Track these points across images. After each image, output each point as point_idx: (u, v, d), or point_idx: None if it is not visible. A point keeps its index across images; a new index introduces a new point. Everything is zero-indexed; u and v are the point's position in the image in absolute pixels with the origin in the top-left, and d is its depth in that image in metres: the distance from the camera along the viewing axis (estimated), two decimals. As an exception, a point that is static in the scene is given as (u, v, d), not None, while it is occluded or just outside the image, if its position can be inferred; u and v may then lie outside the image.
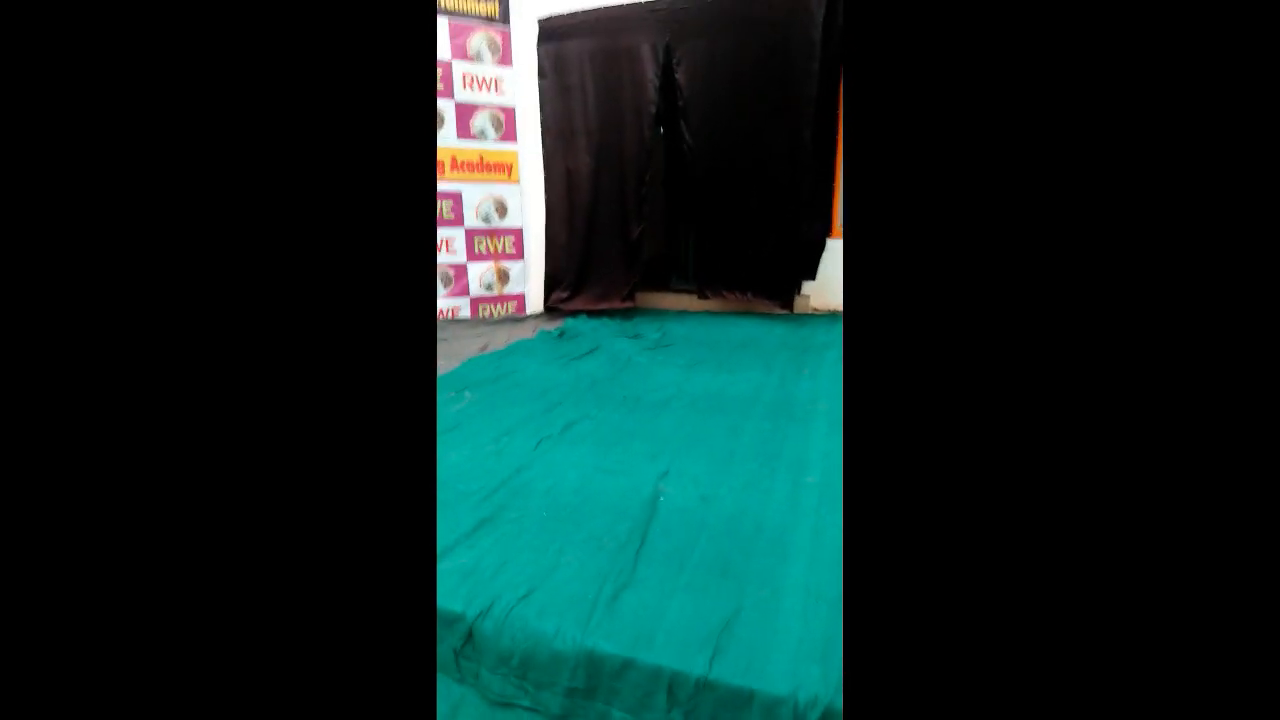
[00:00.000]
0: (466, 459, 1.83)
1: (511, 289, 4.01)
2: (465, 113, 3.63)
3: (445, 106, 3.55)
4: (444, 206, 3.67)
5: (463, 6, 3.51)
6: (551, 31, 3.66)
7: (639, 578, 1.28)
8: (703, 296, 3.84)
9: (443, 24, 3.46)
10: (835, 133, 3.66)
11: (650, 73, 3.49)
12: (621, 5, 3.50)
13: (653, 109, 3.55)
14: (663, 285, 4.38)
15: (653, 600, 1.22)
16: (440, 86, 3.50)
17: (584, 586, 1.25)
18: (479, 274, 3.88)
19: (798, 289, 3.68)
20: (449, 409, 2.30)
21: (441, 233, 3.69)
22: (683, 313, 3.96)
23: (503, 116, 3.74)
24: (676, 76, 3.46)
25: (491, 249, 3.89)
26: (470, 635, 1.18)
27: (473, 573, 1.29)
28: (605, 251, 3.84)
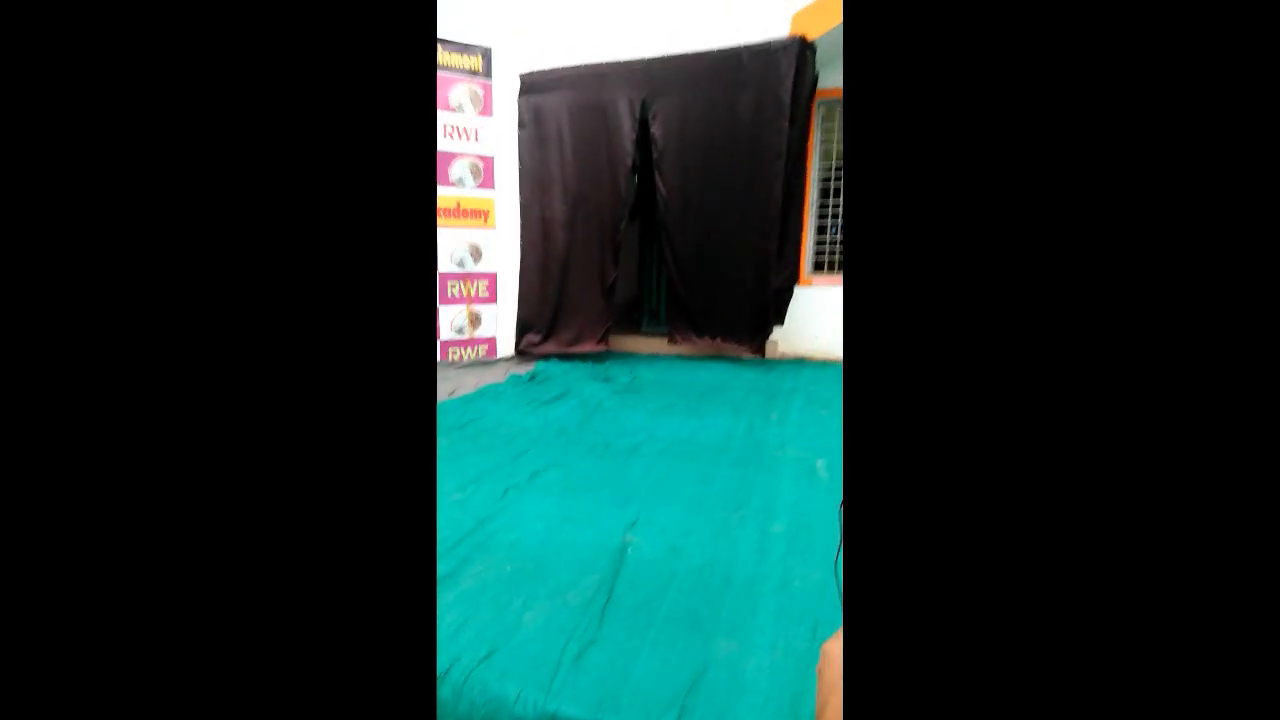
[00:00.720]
0: (431, 508, 1.78)
1: (483, 332, 4.00)
2: (444, 161, 3.69)
3: (423, 153, 3.61)
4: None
5: (448, 61, 3.62)
6: (532, 85, 3.79)
7: (605, 635, 1.25)
8: (672, 341, 3.88)
9: (423, 75, 3.55)
10: (803, 185, 3.83)
11: (627, 126, 3.63)
12: (600, 63, 3.66)
13: (629, 160, 3.67)
14: (634, 329, 4.43)
15: (619, 659, 1.18)
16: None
17: (548, 646, 1.21)
18: (450, 317, 3.87)
19: (767, 334, 3.76)
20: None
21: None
22: (654, 356, 3.99)
23: (481, 165, 3.82)
24: (652, 130, 3.60)
25: (465, 292, 3.89)
26: (426, 700, 1.12)
27: (431, 631, 1.24)
28: (579, 296, 3.89)
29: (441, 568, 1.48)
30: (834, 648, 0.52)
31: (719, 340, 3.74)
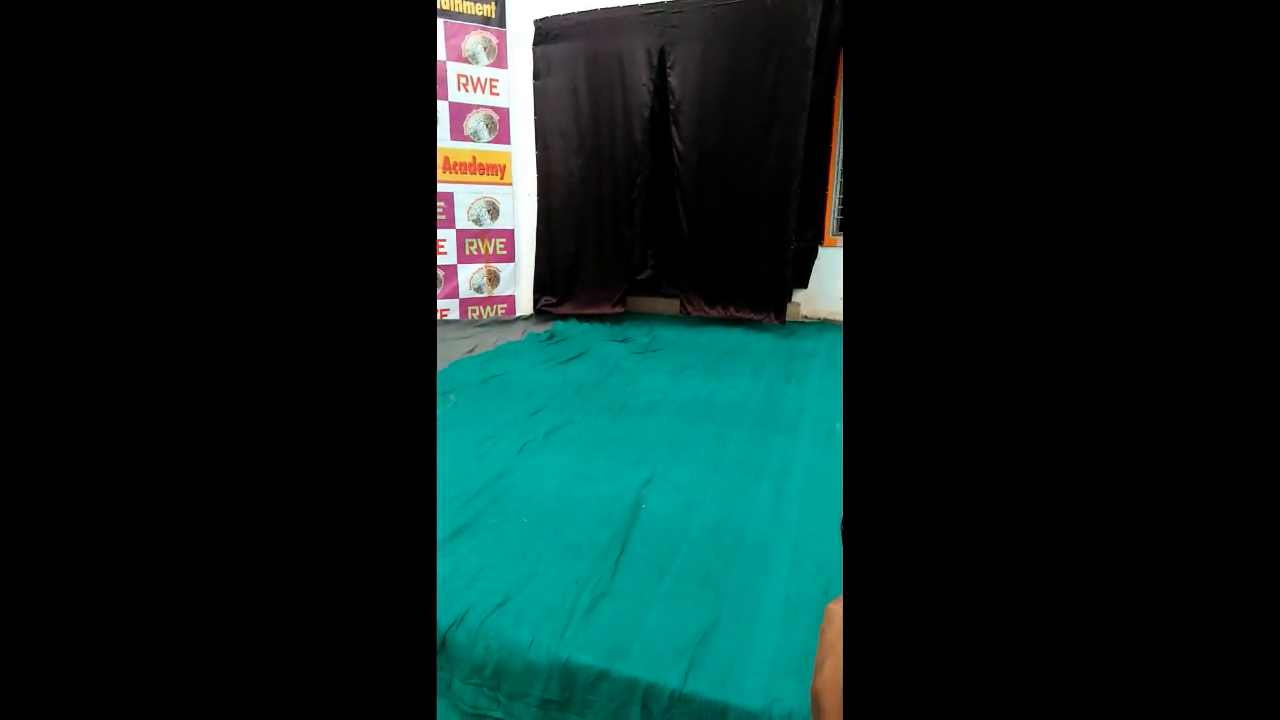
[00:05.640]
0: (448, 464, 1.81)
1: (502, 291, 3.99)
2: (459, 114, 3.62)
3: (439, 107, 3.54)
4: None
5: (460, 8, 3.51)
6: (547, 33, 3.66)
7: (617, 587, 1.27)
8: (684, 311, 3.77)
9: (439, 25, 3.45)
10: (829, 140, 3.67)
11: (644, 76, 3.49)
12: (617, 8, 3.51)
13: (646, 112, 3.54)
14: (653, 290, 4.37)
15: (630, 610, 1.20)
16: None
17: (561, 595, 1.24)
18: (469, 275, 3.86)
19: (788, 297, 3.67)
20: (433, 411, 2.28)
21: (432, 233, 3.68)
22: (673, 317, 3.95)
23: (496, 118, 3.73)
24: (670, 80, 3.46)
25: (483, 250, 3.87)
26: (443, 644, 1.16)
27: (448, 580, 1.27)
28: (596, 255, 3.83)
29: (458, 519, 1.51)
30: (838, 609, 0.52)
31: (733, 310, 3.65)
